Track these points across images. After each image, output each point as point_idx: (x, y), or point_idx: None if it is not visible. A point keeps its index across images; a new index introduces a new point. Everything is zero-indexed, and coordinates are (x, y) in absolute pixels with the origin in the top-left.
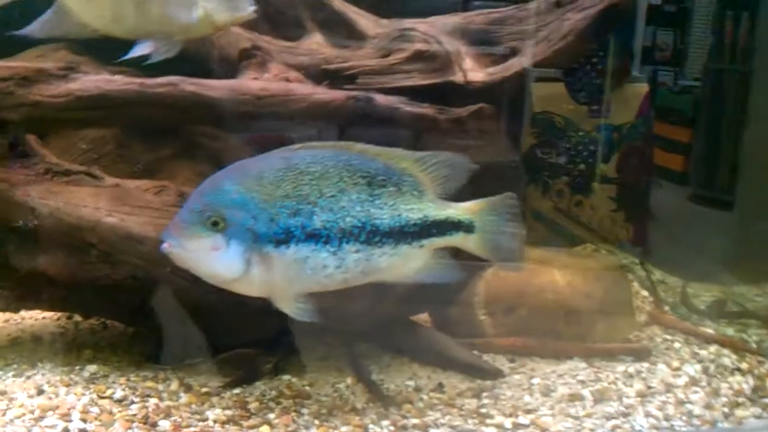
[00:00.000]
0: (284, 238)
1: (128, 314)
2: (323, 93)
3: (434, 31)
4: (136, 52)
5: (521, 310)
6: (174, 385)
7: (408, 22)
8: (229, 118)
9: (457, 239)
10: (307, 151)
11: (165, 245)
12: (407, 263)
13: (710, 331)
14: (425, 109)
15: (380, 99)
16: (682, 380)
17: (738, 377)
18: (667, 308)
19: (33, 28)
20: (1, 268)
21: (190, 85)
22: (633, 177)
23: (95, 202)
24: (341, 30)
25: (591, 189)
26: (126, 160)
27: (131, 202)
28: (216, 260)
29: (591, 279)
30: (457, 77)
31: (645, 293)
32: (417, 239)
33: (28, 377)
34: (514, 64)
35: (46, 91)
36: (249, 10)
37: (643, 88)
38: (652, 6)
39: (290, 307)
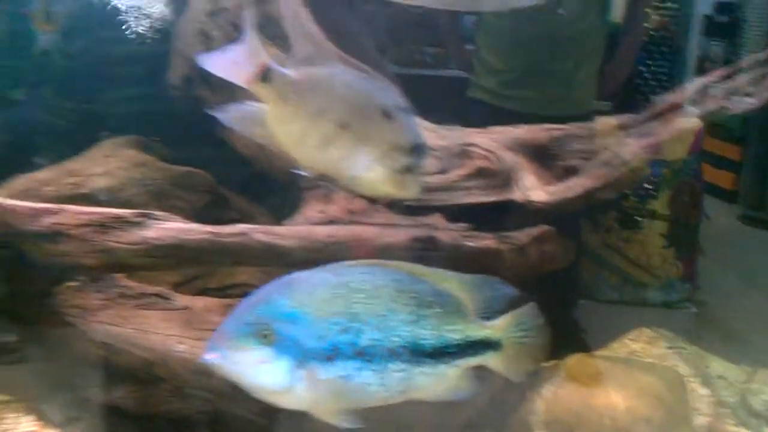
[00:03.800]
0: (332, 354)
1: None
2: (388, 235)
3: (495, 145)
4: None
5: None
6: None
7: (468, 134)
8: (297, 264)
9: (487, 358)
10: (359, 268)
11: (210, 356)
12: (442, 382)
13: None
14: (488, 241)
15: (443, 236)
16: None
17: None
18: (727, 410)
19: (227, 118)
20: (79, 400)
21: (260, 233)
22: (684, 214)
23: (166, 327)
24: None
25: (640, 225)
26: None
27: (199, 325)
28: (262, 373)
29: (652, 402)
30: (517, 195)
31: (706, 391)
32: (455, 359)
33: None
34: (576, 185)
35: (122, 238)
36: (415, 192)
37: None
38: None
39: (332, 419)
